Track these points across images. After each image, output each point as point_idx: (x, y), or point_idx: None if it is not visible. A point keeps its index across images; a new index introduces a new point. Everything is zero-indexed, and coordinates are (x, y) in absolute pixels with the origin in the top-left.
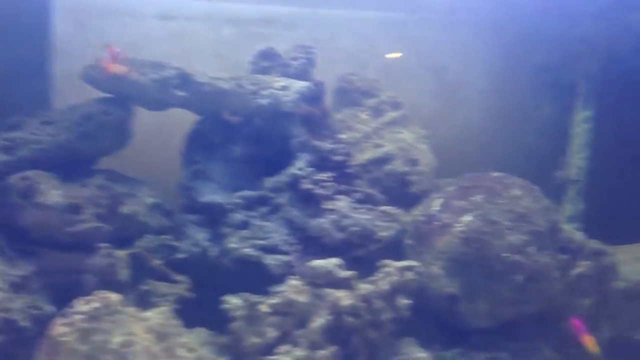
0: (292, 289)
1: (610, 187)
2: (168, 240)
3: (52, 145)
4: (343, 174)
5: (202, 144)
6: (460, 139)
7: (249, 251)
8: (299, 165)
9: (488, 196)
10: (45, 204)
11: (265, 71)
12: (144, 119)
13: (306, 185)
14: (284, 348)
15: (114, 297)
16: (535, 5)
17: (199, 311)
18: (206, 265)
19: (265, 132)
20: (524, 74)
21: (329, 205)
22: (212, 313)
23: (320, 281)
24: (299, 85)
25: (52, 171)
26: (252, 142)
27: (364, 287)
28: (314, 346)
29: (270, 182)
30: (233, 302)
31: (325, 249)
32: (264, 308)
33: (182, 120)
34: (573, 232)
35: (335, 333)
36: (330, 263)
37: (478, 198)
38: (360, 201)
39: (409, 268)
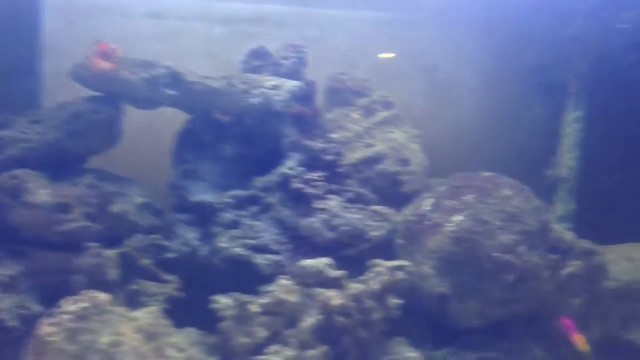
0: (282, 289)
1: (601, 187)
2: (158, 240)
3: (41, 144)
4: (334, 174)
5: (193, 143)
6: (452, 139)
7: (239, 250)
8: (290, 165)
9: (479, 196)
10: (34, 203)
11: (256, 70)
12: (133, 117)
13: (297, 184)
14: (273, 348)
15: (102, 296)
16: (527, 4)
17: (188, 311)
18: (196, 264)
19: (256, 131)
20: (515, 74)
21: (319, 204)
22: (202, 313)
23: (311, 281)
24: (290, 84)
25: (41, 170)
26: (242, 141)
27: (355, 287)
28: (304, 346)
29: (260, 181)
30: (223, 301)
31: (316, 249)
32: (254, 308)
33: (173, 119)
34: (563, 232)
35: (326, 333)
36: (320, 262)
37: (469, 198)
38: (351, 201)
39: (399, 268)
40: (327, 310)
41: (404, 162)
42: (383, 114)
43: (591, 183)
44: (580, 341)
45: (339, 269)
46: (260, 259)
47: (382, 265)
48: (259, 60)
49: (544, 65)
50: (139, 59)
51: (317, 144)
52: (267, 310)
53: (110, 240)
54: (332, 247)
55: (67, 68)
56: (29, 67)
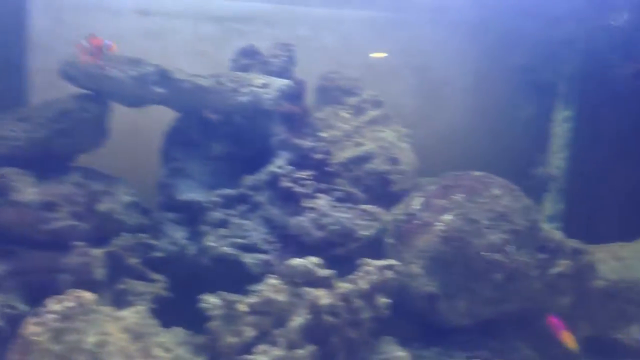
0: (271, 288)
1: (590, 186)
2: (145, 239)
3: (28, 142)
4: (323, 173)
5: (181, 142)
6: (442, 138)
7: (227, 250)
8: (279, 164)
9: (468, 195)
10: (21, 202)
11: (245, 69)
12: (122, 116)
13: (286, 183)
14: (262, 347)
15: (88, 296)
16: (517, 5)
17: (176, 310)
18: (184, 263)
19: (245, 129)
20: (505, 74)
21: (308, 203)
22: (190, 312)
23: (299, 280)
24: (280, 83)
25: (28, 168)
26: (231, 139)
27: (344, 286)
28: (292, 345)
29: (249, 180)
30: (211, 301)
31: (305, 248)
32: (242, 307)
33: (161, 117)
34: (552, 232)
35: (314, 332)
36: (309, 262)
37: (458, 197)
38: (340, 200)
39: (388, 267)
40: (316, 310)
41: (394, 161)
42: (373, 113)
43: (580, 183)
44: (568, 339)
45: (327, 268)
46: (248, 258)
47: (371, 264)
48: (248, 59)
49: (533, 65)
50: (127, 56)
51: (307, 143)
52: (256, 310)
53: (98, 239)
54: (321, 246)
55: (55, 66)
56: (17, 64)
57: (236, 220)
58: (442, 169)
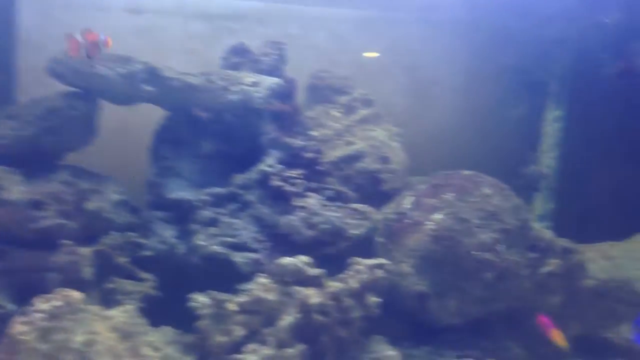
0: (261, 287)
1: (580, 186)
2: (134, 238)
3: (16, 140)
4: (314, 171)
5: (171, 140)
6: (432, 137)
7: (217, 248)
8: (269, 162)
9: (459, 194)
10: (8, 200)
11: (236, 67)
12: (111, 114)
13: (276, 182)
14: (251, 347)
15: (76, 295)
16: (508, 5)
17: (165, 309)
18: (173, 262)
19: (235, 128)
20: (496, 73)
21: (299, 202)
22: (179, 311)
23: (289, 279)
24: (270, 81)
25: (16, 167)
26: (221, 138)
27: (334, 285)
28: (282, 345)
29: (239, 178)
30: (200, 300)
31: (295, 247)
32: (231, 306)
33: (150, 115)
34: (543, 231)
35: (304, 331)
36: (299, 261)
37: (449, 196)
38: (330, 199)
39: (379, 266)
40: (306, 309)
41: (385, 160)
42: (363, 112)
43: (570, 182)
44: (558, 338)
45: (318, 267)
46: (238, 257)
47: (362, 263)
48: (239, 57)
49: (524, 64)
50: (116, 54)
51: (297, 142)
52: (245, 309)
53: (86, 238)
54: (312, 245)
55: (43, 63)
56: (4, 62)
57: (226, 219)
58: (433, 168)
